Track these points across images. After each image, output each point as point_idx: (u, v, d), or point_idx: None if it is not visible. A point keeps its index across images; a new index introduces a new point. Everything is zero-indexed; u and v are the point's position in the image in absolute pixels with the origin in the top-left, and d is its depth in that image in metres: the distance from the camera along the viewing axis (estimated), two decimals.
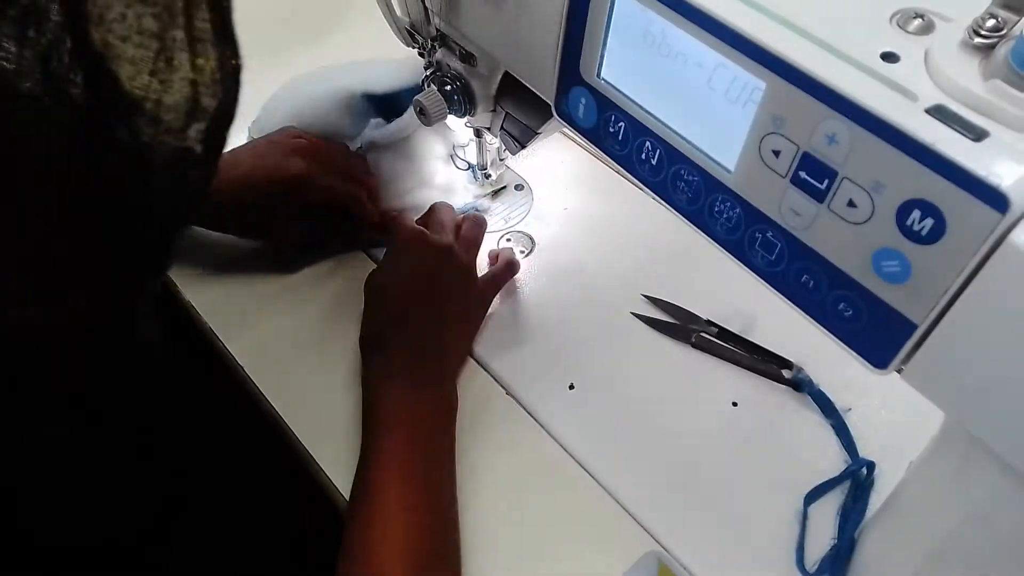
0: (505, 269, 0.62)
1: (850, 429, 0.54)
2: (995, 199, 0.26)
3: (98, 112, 0.25)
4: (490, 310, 0.61)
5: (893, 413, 0.55)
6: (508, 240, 0.66)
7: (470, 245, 0.60)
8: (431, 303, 0.55)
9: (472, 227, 0.61)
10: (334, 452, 0.53)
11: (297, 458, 0.54)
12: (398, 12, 0.52)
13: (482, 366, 0.58)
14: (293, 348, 0.59)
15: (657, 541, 0.50)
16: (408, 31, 0.53)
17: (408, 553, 0.44)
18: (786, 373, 0.57)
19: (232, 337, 0.59)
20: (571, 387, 0.57)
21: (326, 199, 0.61)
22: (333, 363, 0.58)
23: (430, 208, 0.61)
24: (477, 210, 0.67)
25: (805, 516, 0.50)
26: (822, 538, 0.49)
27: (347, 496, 0.49)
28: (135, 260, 0.31)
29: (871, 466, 0.52)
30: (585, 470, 0.53)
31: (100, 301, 0.31)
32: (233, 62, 0.27)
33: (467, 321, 0.58)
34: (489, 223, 0.66)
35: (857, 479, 0.51)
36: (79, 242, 0.28)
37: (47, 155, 0.25)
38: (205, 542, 0.54)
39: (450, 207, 0.62)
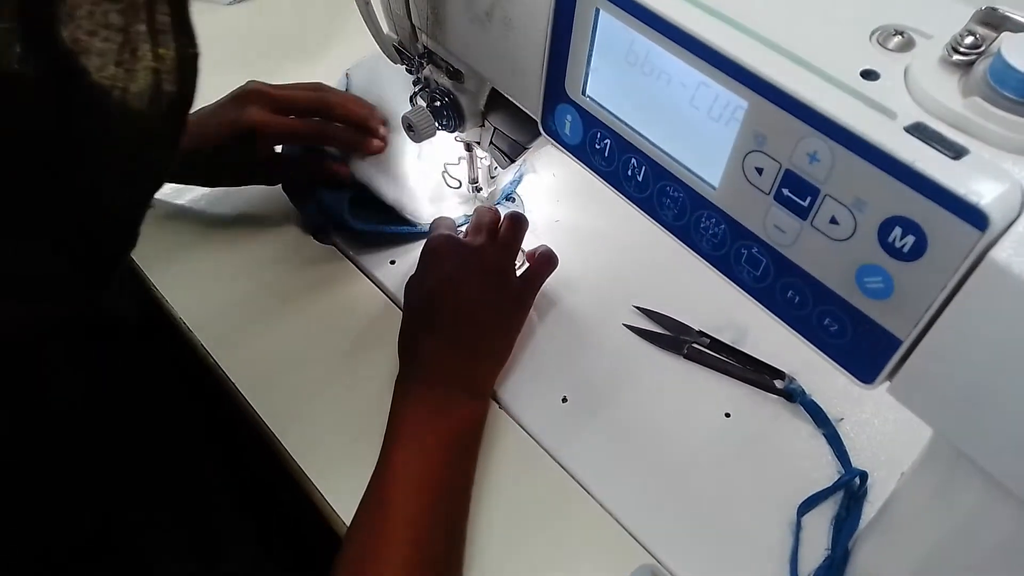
0: (542, 265, 0.61)
1: (843, 439, 0.54)
2: (975, 217, 0.26)
3: (67, 101, 0.27)
4: None
5: (885, 423, 0.55)
6: None
7: (506, 246, 0.59)
8: (459, 308, 0.54)
9: (510, 227, 0.61)
10: (326, 468, 0.53)
11: (290, 476, 0.54)
12: (385, 30, 0.52)
13: None
14: (283, 362, 0.59)
15: (651, 553, 0.50)
16: (396, 48, 0.53)
17: (409, 570, 0.44)
18: (778, 383, 0.57)
19: (223, 353, 0.59)
20: (564, 400, 0.57)
21: (292, 139, 0.64)
22: (324, 376, 0.58)
23: (474, 211, 0.63)
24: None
25: (799, 526, 0.50)
26: (816, 548, 0.49)
27: (337, 510, 0.49)
28: (103, 244, 0.32)
29: (864, 476, 0.52)
30: (578, 483, 0.53)
31: (72, 292, 0.32)
32: (191, 51, 0.29)
33: (502, 325, 0.57)
34: None
35: (850, 489, 0.51)
36: (48, 235, 0.30)
37: (17, 143, 0.27)
38: (181, 555, 0.54)
39: (492, 210, 0.62)
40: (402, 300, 0.61)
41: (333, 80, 0.67)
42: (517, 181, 0.70)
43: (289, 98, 0.62)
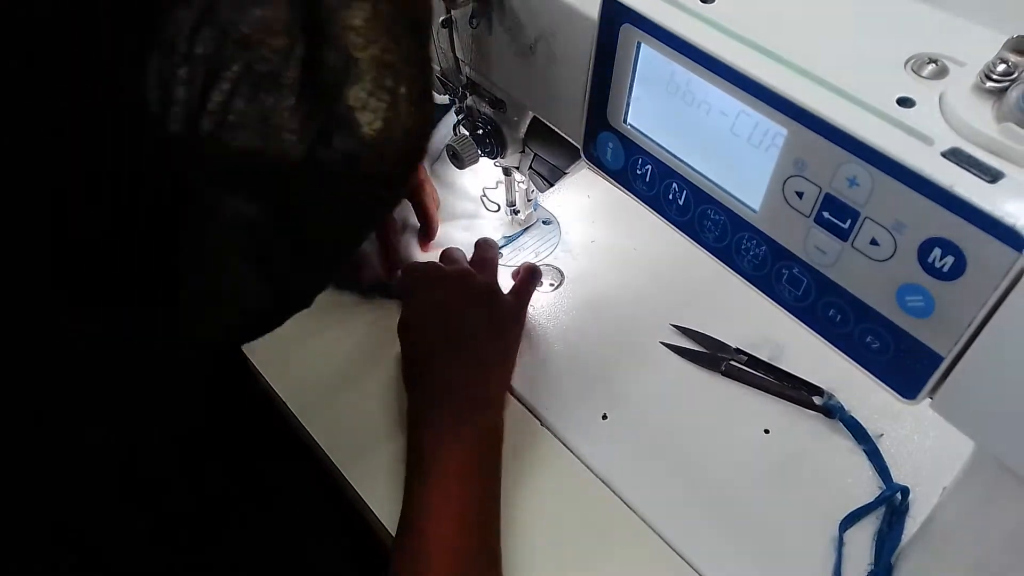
0: (527, 278, 0.63)
1: (883, 455, 0.54)
2: (1012, 238, 0.27)
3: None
4: (526, 344, 0.62)
5: (926, 438, 0.56)
6: None
7: (485, 265, 0.62)
8: (456, 331, 0.56)
9: (482, 249, 0.63)
10: (375, 483, 0.54)
11: (338, 491, 0.56)
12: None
13: (517, 398, 0.60)
14: (332, 380, 0.61)
15: (695, 569, 0.50)
16: (440, 79, 0.55)
17: None
18: (817, 400, 0.58)
19: (273, 373, 0.61)
20: (604, 417, 0.58)
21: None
22: (371, 391, 0.60)
23: (442, 252, 0.64)
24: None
25: (841, 542, 0.51)
26: (859, 564, 0.50)
27: (384, 520, 0.51)
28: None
29: (905, 491, 0.52)
30: (621, 499, 0.54)
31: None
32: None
33: (501, 340, 0.58)
34: (519, 258, 0.68)
35: (892, 504, 0.52)
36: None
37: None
38: (242, 569, 0.55)
39: (456, 249, 0.64)
40: None
41: None
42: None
43: None
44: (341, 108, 0.27)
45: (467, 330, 0.56)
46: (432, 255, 0.66)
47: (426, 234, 0.67)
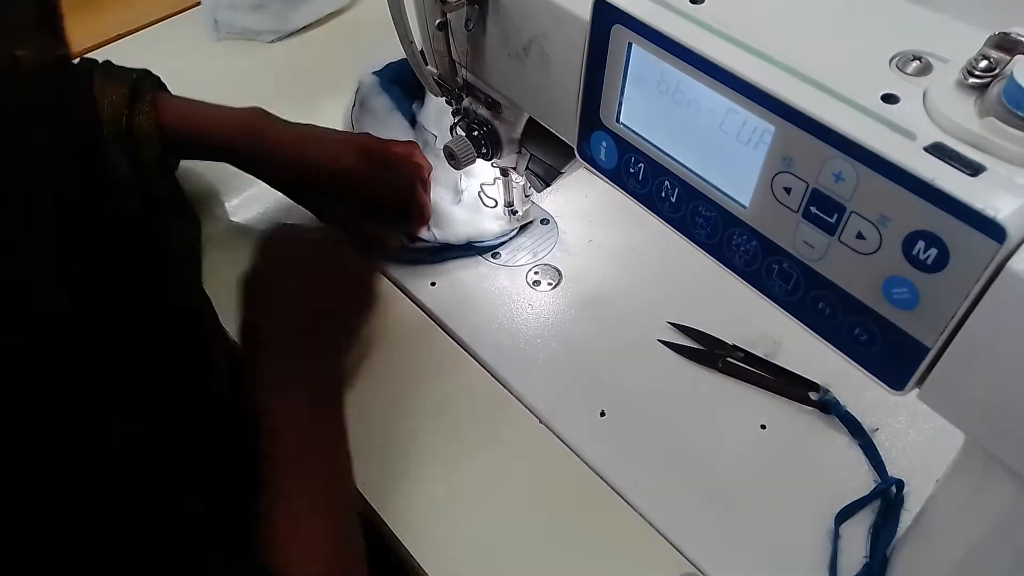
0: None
1: (878, 449, 0.55)
2: (993, 230, 0.28)
3: None
4: (524, 343, 0.63)
5: (920, 432, 0.56)
6: (536, 273, 0.69)
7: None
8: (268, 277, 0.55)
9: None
10: (375, 478, 0.55)
11: None
12: (427, 65, 0.56)
13: (516, 396, 0.60)
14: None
15: (692, 563, 0.51)
16: (436, 82, 0.56)
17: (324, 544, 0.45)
18: (813, 395, 0.58)
19: None
20: (602, 414, 0.59)
21: (372, 195, 0.65)
22: (369, 392, 0.60)
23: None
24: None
25: (837, 535, 0.51)
26: (854, 556, 0.50)
27: (384, 518, 0.52)
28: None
29: (900, 484, 0.53)
30: (619, 495, 0.54)
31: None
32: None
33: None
34: (517, 257, 0.69)
35: (887, 498, 0.52)
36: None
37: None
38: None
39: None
40: (443, 320, 0.64)
41: None
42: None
43: (388, 160, 0.66)
44: None
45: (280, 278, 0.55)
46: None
47: (420, 216, 0.68)
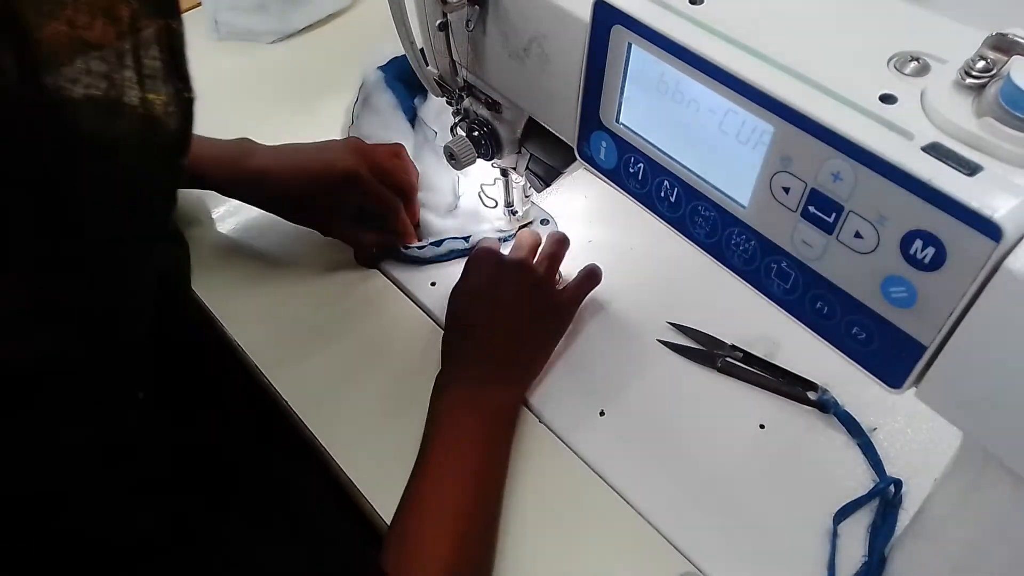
0: (587, 280, 0.64)
1: (876, 448, 0.55)
2: (990, 229, 0.28)
3: (56, 149, 0.27)
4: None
5: (918, 431, 0.56)
6: None
7: (548, 259, 0.63)
8: (497, 314, 0.58)
9: (552, 244, 0.65)
10: (375, 478, 0.55)
11: (341, 488, 0.57)
12: (428, 66, 0.56)
13: None
14: (332, 381, 0.62)
15: (691, 562, 0.51)
16: (437, 82, 0.56)
17: (452, 562, 0.46)
18: (811, 395, 0.58)
19: (276, 373, 0.62)
20: (602, 414, 0.59)
21: (370, 201, 0.65)
22: (371, 393, 0.61)
23: (517, 234, 0.66)
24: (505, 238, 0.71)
25: (835, 534, 0.51)
26: (853, 555, 0.51)
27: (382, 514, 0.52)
28: (116, 295, 0.32)
29: (898, 484, 0.53)
30: (618, 494, 0.55)
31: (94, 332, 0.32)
32: (185, 95, 0.29)
33: (539, 333, 0.60)
34: None
35: (885, 497, 0.53)
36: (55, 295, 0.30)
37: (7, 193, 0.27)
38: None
39: (534, 233, 0.66)
40: (443, 319, 0.64)
41: None
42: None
43: (383, 164, 0.66)
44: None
45: (508, 319, 0.58)
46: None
47: (404, 233, 0.68)
